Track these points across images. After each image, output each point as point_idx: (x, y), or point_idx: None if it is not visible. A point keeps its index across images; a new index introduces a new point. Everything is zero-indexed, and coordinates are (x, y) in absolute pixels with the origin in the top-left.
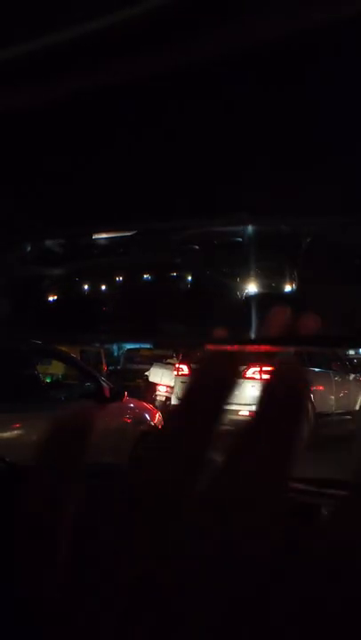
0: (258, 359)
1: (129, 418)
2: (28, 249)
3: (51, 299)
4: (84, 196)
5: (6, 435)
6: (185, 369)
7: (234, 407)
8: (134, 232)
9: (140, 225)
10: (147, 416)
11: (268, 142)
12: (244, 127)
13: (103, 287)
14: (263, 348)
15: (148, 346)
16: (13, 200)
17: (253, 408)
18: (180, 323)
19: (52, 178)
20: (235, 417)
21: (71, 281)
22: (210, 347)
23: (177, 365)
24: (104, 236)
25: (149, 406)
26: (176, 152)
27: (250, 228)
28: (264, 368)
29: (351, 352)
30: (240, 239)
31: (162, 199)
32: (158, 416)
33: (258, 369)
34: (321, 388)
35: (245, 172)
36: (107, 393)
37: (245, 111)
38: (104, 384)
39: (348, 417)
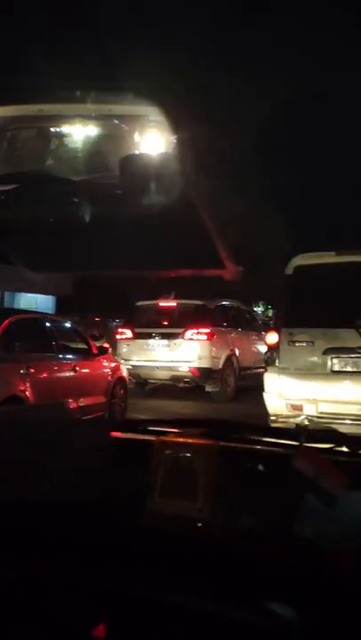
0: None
1: (109, 367)
2: None
3: None
4: None
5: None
6: (128, 332)
7: (175, 364)
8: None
9: None
10: (120, 367)
11: None
12: None
13: None
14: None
15: None
16: None
17: (191, 364)
18: None
19: None
20: (176, 373)
21: None
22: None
23: (119, 330)
24: None
25: (118, 361)
26: None
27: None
28: (201, 330)
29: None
30: (120, 192)
31: None
32: (124, 368)
33: (195, 331)
34: (242, 346)
35: None
36: (94, 350)
37: None
38: (92, 344)
39: (263, 370)
